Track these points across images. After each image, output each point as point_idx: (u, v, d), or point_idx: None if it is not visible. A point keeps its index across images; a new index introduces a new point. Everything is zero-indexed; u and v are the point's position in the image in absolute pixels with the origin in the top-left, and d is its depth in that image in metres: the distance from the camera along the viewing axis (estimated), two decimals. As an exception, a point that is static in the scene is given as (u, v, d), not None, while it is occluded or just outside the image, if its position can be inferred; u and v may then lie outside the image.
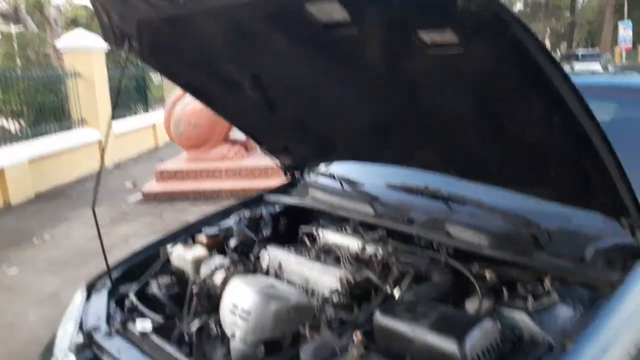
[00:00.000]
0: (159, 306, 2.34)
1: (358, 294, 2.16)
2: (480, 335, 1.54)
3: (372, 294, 2.16)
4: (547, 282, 1.80)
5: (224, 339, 2.17)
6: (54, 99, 10.49)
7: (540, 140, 1.62)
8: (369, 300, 2.17)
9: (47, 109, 10.15)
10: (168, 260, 2.61)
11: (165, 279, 2.49)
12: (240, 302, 2.02)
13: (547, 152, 1.66)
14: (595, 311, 1.62)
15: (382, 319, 1.73)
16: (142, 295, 2.34)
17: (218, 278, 2.31)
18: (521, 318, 1.68)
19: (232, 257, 2.57)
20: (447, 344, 1.53)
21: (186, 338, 2.13)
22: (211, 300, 2.36)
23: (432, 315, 1.66)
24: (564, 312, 1.69)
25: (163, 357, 1.77)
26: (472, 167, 2.07)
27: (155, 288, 2.31)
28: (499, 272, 2.04)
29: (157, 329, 1.98)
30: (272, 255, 2.49)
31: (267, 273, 2.45)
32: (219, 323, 2.13)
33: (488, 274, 2.04)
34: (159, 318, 2.08)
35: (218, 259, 2.44)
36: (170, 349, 1.80)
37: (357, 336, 1.64)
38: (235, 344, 2.00)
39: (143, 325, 1.89)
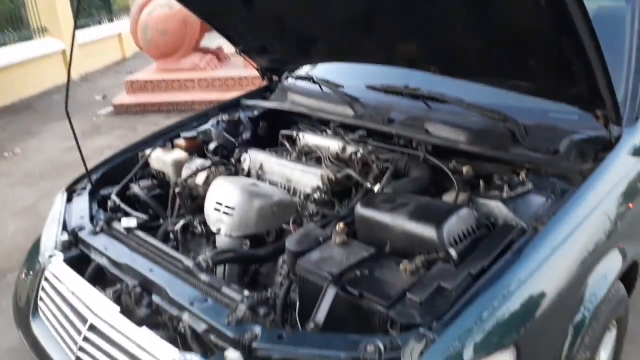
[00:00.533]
0: (142, 207, 2.36)
1: (338, 191, 2.22)
2: (456, 221, 1.62)
3: (353, 190, 2.21)
4: (522, 174, 1.86)
5: (208, 237, 2.22)
6: (10, 5, 9.80)
7: (523, 27, 1.60)
8: (349, 197, 2.23)
9: (2, 17, 9.51)
10: (147, 164, 2.60)
11: (145, 182, 2.49)
12: (225, 200, 2.05)
13: (529, 40, 1.65)
14: (566, 198, 1.70)
15: (362, 210, 1.79)
16: (123, 197, 2.35)
17: (200, 179, 2.33)
18: (496, 205, 1.76)
19: (212, 159, 2.57)
20: (425, 230, 1.60)
21: (171, 236, 2.17)
22: (193, 200, 2.39)
23: (410, 205, 1.72)
24: (537, 200, 1.77)
25: (149, 250, 1.82)
26: (453, 62, 2.06)
27: (137, 189, 2.31)
28: (476, 167, 2.10)
29: (141, 226, 2.00)
30: (253, 157, 2.50)
31: (248, 175, 2.47)
32: (202, 222, 2.17)
33: (465, 169, 2.10)
34: (143, 216, 2.11)
35: (199, 161, 2.44)
36: (156, 242, 1.84)
37: (340, 226, 1.70)
38: (221, 239, 2.06)
39: (128, 222, 1.92)
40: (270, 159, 2.44)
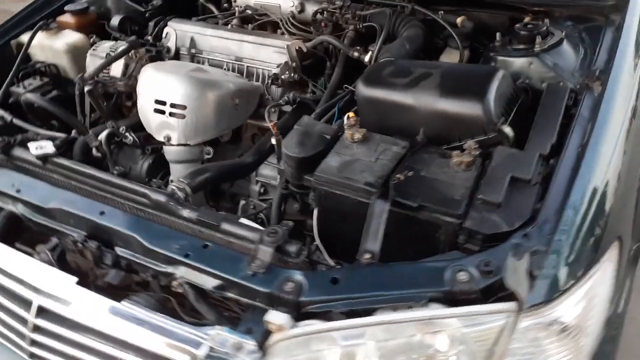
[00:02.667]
0: (39, 118, 1.71)
1: (306, 66, 1.74)
2: (499, 89, 1.28)
3: (327, 64, 1.75)
4: (546, 21, 1.52)
5: (143, 147, 1.69)
6: None
7: None
8: (321, 74, 1.78)
9: None
10: (27, 57, 1.86)
11: (32, 82, 1.79)
12: (168, 96, 1.50)
13: None
14: (608, 42, 1.42)
15: (368, 90, 1.37)
16: (6, 107, 1.67)
17: (117, 69, 1.70)
18: (529, 62, 1.43)
19: (123, 38, 1.90)
20: (466, 106, 1.25)
21: (94, 152, 1.61)
22: (109, 100, 1.79)
23: (432, 76, 1.33)
24: (570, 51, 1.47)
25: (85, 184, 1.28)
26: None
27: (31, 96, 1.63)
28: (470, 17, 1.74)
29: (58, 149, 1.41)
30: (178, 30, 1.87)
31: (176, 57, 1.87)
32: (128, 128, 1.62)
33: (459, 20, 1.72)
34: (55, 135, 1.49)
35: (107, 44, 1.77)
36: (92, 170, 1.29)
37: (350, 116, 1.29)
38: (172, 150, 1.55)
39: (41, 147, 1.32)
40: (205, 30, 1.84)
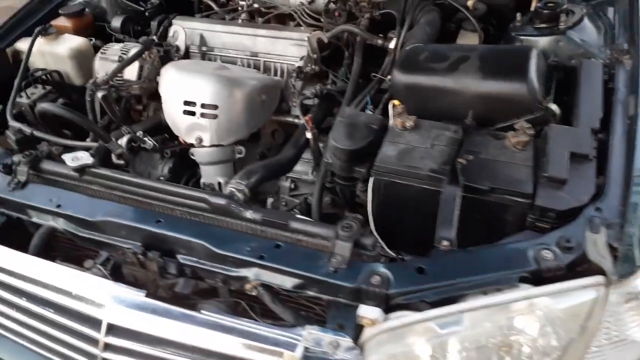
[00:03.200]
0: (52, 128, 1.62)
1: (328, 57, 1.73)
2: (537, 67, 1.30)
3: (345, 53, 1.73)
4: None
5: (162, 152, 1.64)
6: None
7: None
8: (339, 64, 1.76)
9: None
10: (26, 68, 1.75)
11: (34, 90, 1.70)
12: (198, 97, 1.45)
13: None
14: (623, 17, 1.47)
15: (406, 77, 1.37)
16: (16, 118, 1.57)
17: (132, 72, 1.62)
18: (557, 40, 1.46)
19: (124, 39, 1.83)
20: (511, 86, 1.27)
21: (114, 159, 1.54)
22: (120, 104, 1.71)
23: (470, 59, 1.34)
24: (590, 25, 1.51)
25: (130, 193, 1.22)
26: None
27: (47, 105, 1.54)
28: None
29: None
30: (187, 28, 1.81)
31: (186, 55, 1.81)
32: (144, 133, 1.57)
33: (471, 3, 1.74)
34: (87, 144, 1.41)
35: (117, 46, 1.69)
36: (134, 178, 1.23)
37: (395, 104, 1.28)
38: (205, 152, 1.50)
39: (77, 158, 1.24)
40: (215, 27, 1.79)
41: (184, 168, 1.70)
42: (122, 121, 1.71)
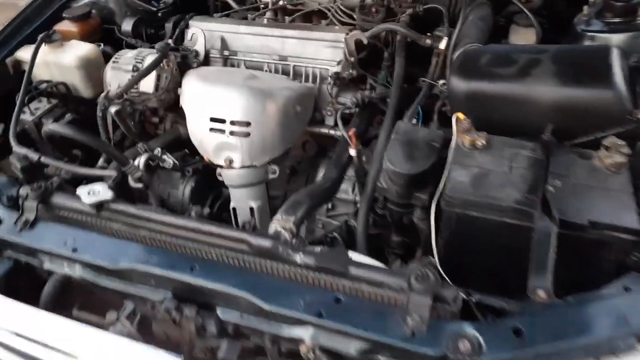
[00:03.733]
0: (60, 147, 1.45)
1: (366, 59, 1.54)
2: (622, 70, 1.11)
3: (385, 55, 1.54)
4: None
5: (183, 171, 1.47)
6: None
7: None
8: (377, 66, 1.57)
9: None
10: (29, 80, 1.57)
11: (38, 105, 1.53)
12: (228, 113, 1.27)
13: None
14: None
15: (466, 84, 1.19)
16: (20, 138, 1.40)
17: (148, 84, 1.44)
18: (634, 37, 1.27)
19: (137, 43, 1.64)
20: (595, 95, 1.08)
21: (131, 182, 1.37)
22: (135, 117, 1.54)
23: (540, 63, 1.16)
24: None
25: (157, 232, 1.04)
26: None
27: (55, 127, 1.36)
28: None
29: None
30: (206, 30, 1.62)
31: (207, 60, 1.62)
32: (164, 149, 1.40)
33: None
34: (105, 173, 1.23)
35: (130, 53, 1.51)
36: (160, 215, 1.05)
37: (460, 118, 1.10)
38: (235, 174, 1.33)
39: (96, 192, 1.07)
40: (238, 28, 1.60)
41: (208, 187, 1.53)
42: (137, 137, 1.54)
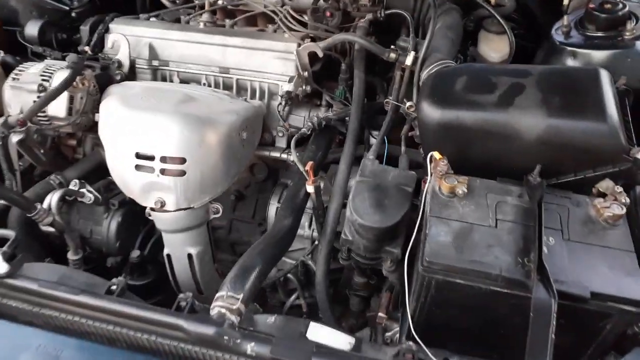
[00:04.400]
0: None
1: (321, 72, 1.35)
2: (614, 98, 0.98)
3: (342, 67, 1.34)
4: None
5: (107, 203, 1.25)
6: None
7: None
8: (332, 79, 1.38)
9: None
10: None
11: None
12: (157, 148, 1.05)
13: None
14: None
15: (443, 113, 1.01)
16: None
17: (59, 108, 1.18)
18: (623, 56, 1.15)
19: (45, 52, 1.37)
20: (588, 129, 0.94)
21: (42, 228, 1.14)
22: (46, 143, 1.29)
23: (524, 89, 1.00)
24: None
25: (58, 310, 0.82)
26: None
27: None
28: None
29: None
30: (130, 35, 1.36)
31: (132, 73, 1.37)
32: (84, 181, 1.18)
33: (494, -3, 1.39)
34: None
35: (31, 68, 1.23)
36: (72, 294, 0.82)
37: (438, 158, 0.93)
38: (169, 217, 1.11)
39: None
40: (168, 33, 1.36)
41: (138, 221, 1.31)
42: (49, 165, 1.29)
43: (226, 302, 0.81)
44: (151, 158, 1.04)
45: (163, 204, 1.08)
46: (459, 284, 0.82)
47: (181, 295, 0.83)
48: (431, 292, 0.86)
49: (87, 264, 1.29)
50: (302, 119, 1.35)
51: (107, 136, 1.11)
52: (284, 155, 1.31)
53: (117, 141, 1.08)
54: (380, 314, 1.10)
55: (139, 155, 1.05)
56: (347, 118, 1.25)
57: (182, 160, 1.05)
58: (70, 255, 1.23)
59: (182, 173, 1.05)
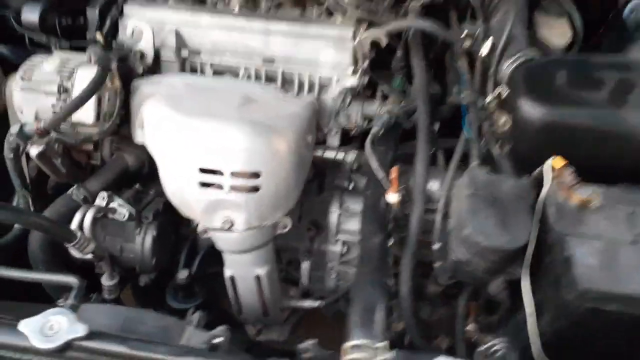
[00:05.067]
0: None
1: (379, 61, 1.20)
2: None
3: (397, 55, 1.20)
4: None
5: (139, 218, 1.08)
6: None
7: None
8: (386, 69, 1.24)
9: None
10: None
11: None
12: (226, 162, 0.89)
13: None
14: None
15: (549, 112, 0.90)
16: None
17: (88, 114, 0.98)
18: None
19: (50, 42, 1.15)
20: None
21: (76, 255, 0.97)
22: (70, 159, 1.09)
23: (632, 84, 0.92)
24: None
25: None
26: None
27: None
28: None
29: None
30: (151, 20, 1.16)
31: (156, 64, 1.17)
32: (111, 194, 1.02)
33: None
34: None
35: (46, 65, 1.01)
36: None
37: (561, 165, 0.83)
38: (236, 238, 0.96)
39: (51, 325, 0.65)
40: (199, 18, 1.16)
41: (170, 232, 1.15)
42: (68, 177, 1.09)
43: (369, 354, 0.68)
44: (219, 173, 0.88)
45: (232, 225, 0.92)
46: (612, 312, 0.74)
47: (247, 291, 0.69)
48: (576, 318, 0.77)
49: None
50: (353, 115, 1.21)
51: (159, 147, 0.93)
52: (340, 156, 1.17)
53: (174, 154, 0.91)
54: (469, 327, 1.02)
55: (203, 171, 0.88)
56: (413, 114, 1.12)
57: (256, 175, 0.89)
58: (105, 281, 1.07)
59: (256, 189, 0.90)
